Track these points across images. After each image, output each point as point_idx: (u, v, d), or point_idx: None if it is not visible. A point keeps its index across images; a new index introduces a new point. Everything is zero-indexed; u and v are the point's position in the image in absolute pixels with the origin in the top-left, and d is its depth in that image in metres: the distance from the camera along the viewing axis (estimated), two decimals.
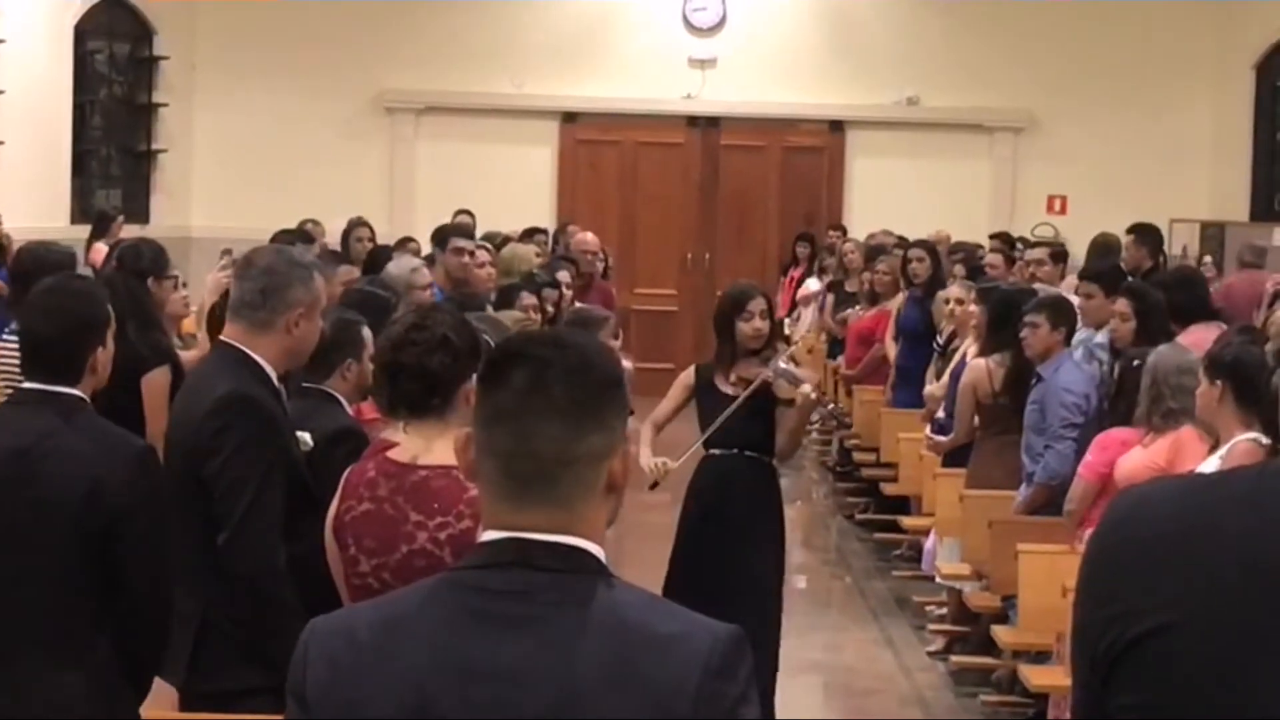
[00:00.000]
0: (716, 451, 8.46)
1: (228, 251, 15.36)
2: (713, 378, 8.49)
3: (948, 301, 12.12)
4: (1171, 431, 7.85)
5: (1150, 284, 10.87)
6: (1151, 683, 1.98)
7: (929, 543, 11.62)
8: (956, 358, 11.48)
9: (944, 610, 10.96)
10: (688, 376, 8.65)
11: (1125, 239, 12.97)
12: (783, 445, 8.45)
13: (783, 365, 8.31)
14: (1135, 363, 8.36)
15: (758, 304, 8.47)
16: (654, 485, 8.38)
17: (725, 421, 8.25)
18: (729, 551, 8.29)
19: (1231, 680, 1.92)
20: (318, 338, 5.53)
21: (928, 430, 11.30)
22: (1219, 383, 7.25)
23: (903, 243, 15.93)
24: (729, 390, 8.36)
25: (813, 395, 8.32)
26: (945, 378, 11.45)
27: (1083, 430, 9.28)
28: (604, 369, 2.61)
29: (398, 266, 9.75)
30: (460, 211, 14.35)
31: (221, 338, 5.55)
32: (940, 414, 11.21)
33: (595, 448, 2.56)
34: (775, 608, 8.40)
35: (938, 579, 11.16)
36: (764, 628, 8.04)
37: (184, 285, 9.58)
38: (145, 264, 8.68)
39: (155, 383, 8.07)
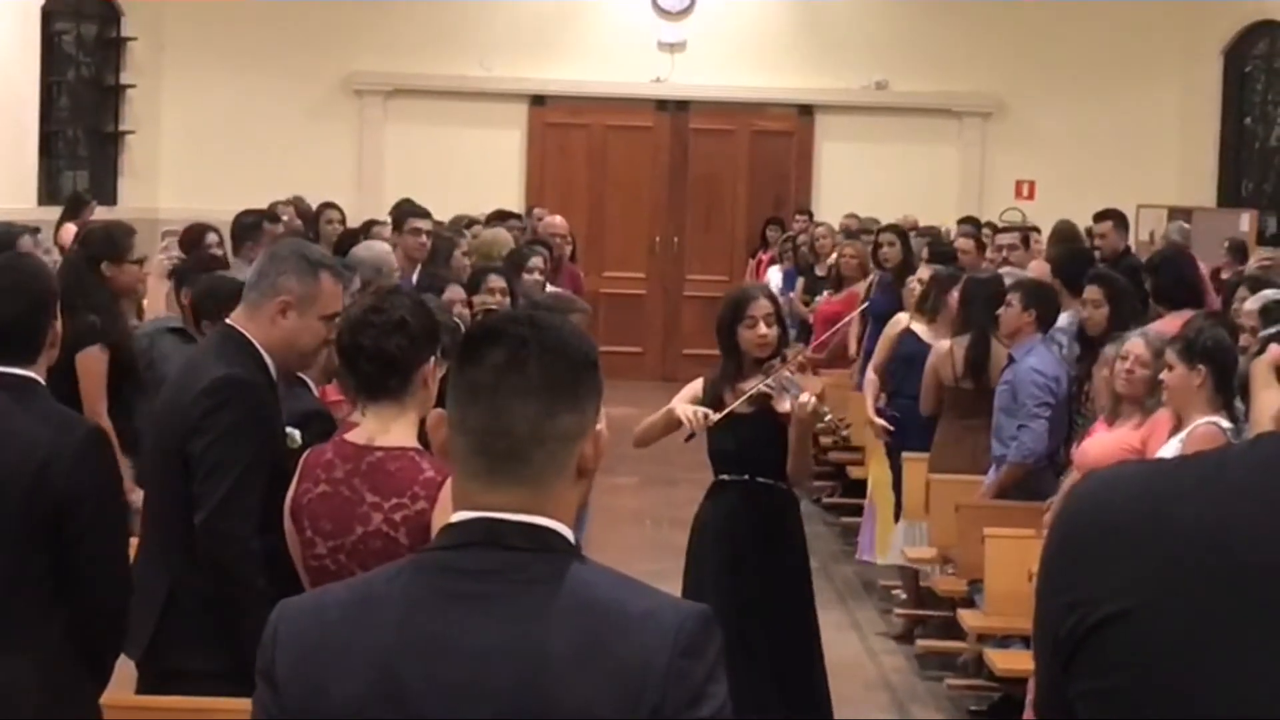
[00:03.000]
0: (726, 478, 7.63)
1: (172, 233, 15.32)
2: (720, 395, 7.56)
3: (921, 283, 12.10)
4: (1151, 414, 7.86)
5: (1132, 267, 10.95)
6: (1112, 668, 1.98)
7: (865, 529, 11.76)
8: (891, 324, 11.48)
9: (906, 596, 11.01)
10: (694, 389, 7.69)
11: (1102, 225, 13.00)
12: (790, 467, 7.50)
13: (786, 375, 7.44)
14: None
15: (761, 307, 7.55)
16: (690, 437, 7.46)
17: (727, 435, 7.47)
18: (744, 594, 7.43)
19: (1191, 666, 1.92)
20: (316, 342, 5.41)
21: (870, 411, 11.23)
22: (1200, 368, 7.25)
23: (865, 227, 16.00)
24: (740, 410, 7.45)
25: (810, 406, 7.30)
26: (882, 346, 11.42)
27: (1054, 412, 9.33)
28: (580, 350, 2.63)
29: (369, 251, 9.73)
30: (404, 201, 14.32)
31: (227, 320, 5.55)
32: (882, 403, 11.20)
33: (568, 427, 2.58)
34: (816, 649, 7.72)
35: (873, 560, 11.35)
36: (808, 648, 7.65)
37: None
38: (97, 248, 8.64)
39: (87, 362, 8.06)
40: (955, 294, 10.83)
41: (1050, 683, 2.08)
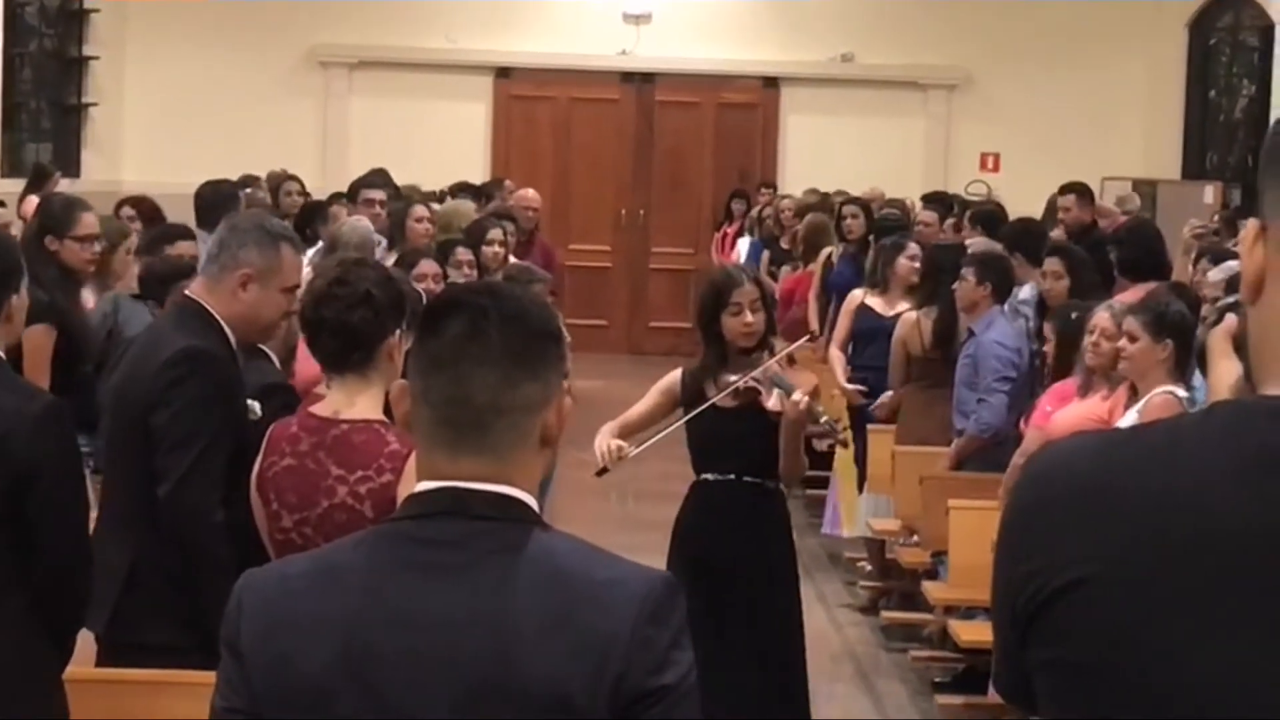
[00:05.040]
0: (710, 477, 6.98)
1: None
2: (702, 388, 6.95)
3: None
4: (1118, 386, 7.89)
5: (1097, 241, 11.01)
6: (1068, 638, 1.98)
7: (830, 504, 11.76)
8: (848, 300, 11.48)
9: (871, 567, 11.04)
10: (671, 382, 7.07)
11: (1066, 198, 13.04)
12: (782, 469, 6.88)
13: (776, 369, 6.88)
14: (1074, 315, 8.42)
15: (745, 293, 6.88)
16: (602, 471, 6.81)
17: (710, 430, 6.88)
18: (727, 599, 6.82)
19: (1146, 636, 1.93)
20: (277, 314, 5.43)
21: (840, 378, 11.23)
22: (1167, 341, 7.28)
23: (824, 200, 16.02)
24: (722, 403, 6.88)
25: (802, 404, 6.67)
26: (842, 322, 11.42)
27: (1015, 385, 9.37)
28: (540, 320, 2.65)
29: (354, 232, 9.68)
30: (376, 170, 14.30)
31: (185, 292, 5.53)
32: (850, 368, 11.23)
33: (530, 397, 2.59)
34: (798, 650, 7.11)
35: (839, 534, 11.35)
36: (791, 672, 7.05)
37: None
38: (44, 221, 8.45)
39: (34, 339, 7.97)
40: (901, 261, 10.89)
41: (1008, 653, 2.08)
